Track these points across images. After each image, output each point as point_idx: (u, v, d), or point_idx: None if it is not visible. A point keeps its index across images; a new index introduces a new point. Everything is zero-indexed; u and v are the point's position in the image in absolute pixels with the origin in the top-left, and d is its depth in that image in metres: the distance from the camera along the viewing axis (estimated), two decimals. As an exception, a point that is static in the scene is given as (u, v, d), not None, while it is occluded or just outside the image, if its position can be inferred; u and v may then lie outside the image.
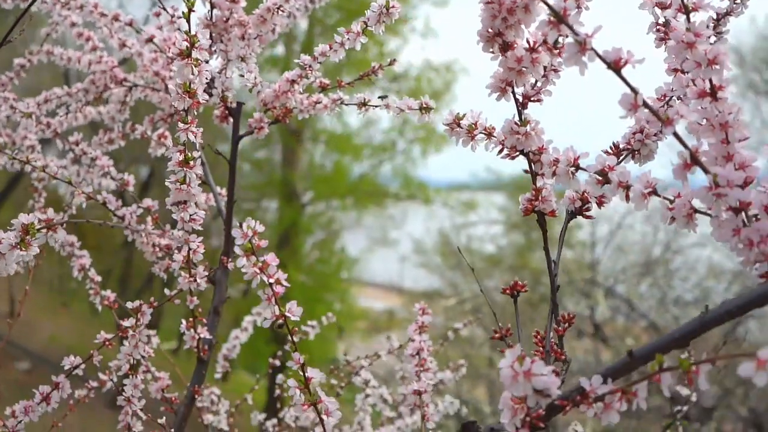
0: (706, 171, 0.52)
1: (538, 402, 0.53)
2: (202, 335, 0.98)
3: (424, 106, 0.87)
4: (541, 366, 0.51)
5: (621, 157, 0.71)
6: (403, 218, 12.49)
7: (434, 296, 9.31)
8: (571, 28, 0.51)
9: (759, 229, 0.51)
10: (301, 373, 0.66)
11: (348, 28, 0.90)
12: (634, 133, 0.70)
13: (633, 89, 0.52)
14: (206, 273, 0.93)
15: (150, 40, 1.09)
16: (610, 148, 0.71)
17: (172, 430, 0.95)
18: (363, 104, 0.97)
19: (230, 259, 0.98)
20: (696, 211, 0.56)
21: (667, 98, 0.71)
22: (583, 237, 8.25)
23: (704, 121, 0.57)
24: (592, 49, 0.51)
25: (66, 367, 0.93)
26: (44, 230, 0.66)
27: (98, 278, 1.13)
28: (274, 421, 1.42)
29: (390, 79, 10.56)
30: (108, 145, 1.22)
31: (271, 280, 0.64)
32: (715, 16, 0.74)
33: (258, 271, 0.64)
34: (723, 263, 7.25)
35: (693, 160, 0.53)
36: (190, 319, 0.97)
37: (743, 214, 0.53)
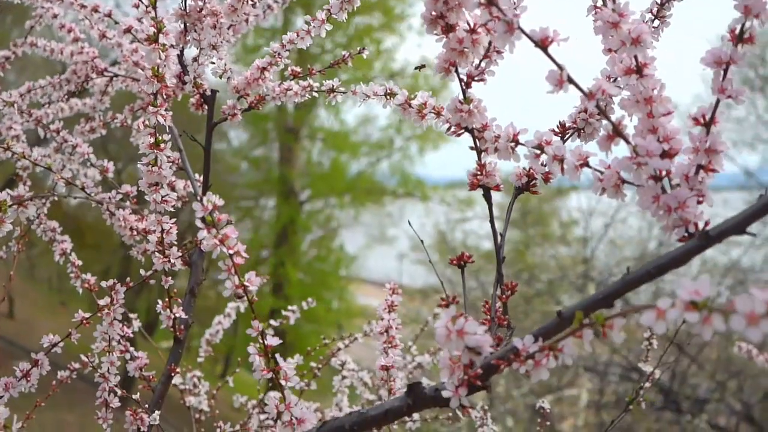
0: (627, 142, 0.56)
1: (472, 360, 0.57)
2: (177, 315, 1.02)
3: (389, 92, 0.91)
4: (474, 325, 0.54)
5: (567, 135, 0.74)
6: (400, 215, 12.54)
7: (431, 293, 9.35)
8: (500, 9, 0.54)
9: (677, 196, 0.55)
10: (261, 341, 0.70)
11: (314, 16, 0.94)
12: (579, 112, 0.74)
13: (559, 66, 0.55)
14: (180, 253, 0.97)
15: (128, 30, 1.12)
16: (557, 126, 0.75)
17: (147, 405, 0.99)
18: (331, 90, 1.00)
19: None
20: (624, 181, 0.59)
21: (611, 79, 0.74)
22: (580, 233, 8.29)
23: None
24: (520, 28, 0.55)
25: (45, 345, 0.97)
26: (15, 206, 0.70)
27: (79, 262, 1.16)
28: (254, 402, 1.46)
29: (387, 77, 10.60)
30: (90, 134, 1.26)
31: (231, 251, 0.67)
32: (659, 1, 0.77)
33: (218, 242, 0.67)
34: (716, 258, 7.31)
35: (615, 131, 0.56)
36: (166, 299, 1.01)
37: (666, 182, 0.57)
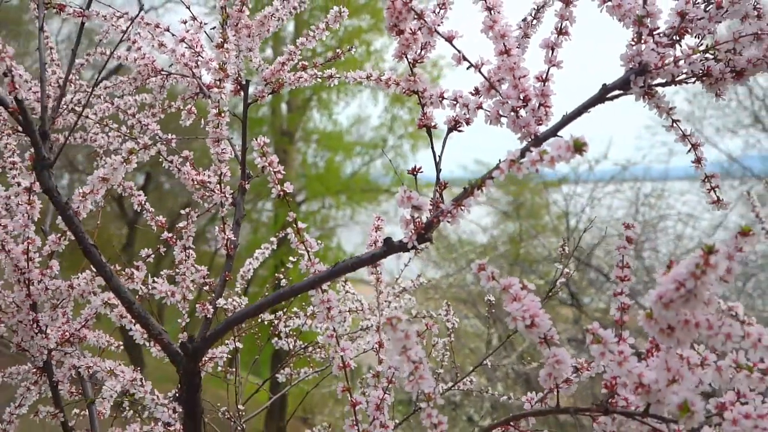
0: (498, 92, 1.01)
1: (419, 217, 1.01)
2: (229, 237, 1.47)
3: (369, 75, 1.35)
4: (417, 193, 0.99)
5: (480, 96, 1.19)
6: (396, 213, 12.90)
7: (429, 288, 9.78)
8: (424, 20, 0.99)
9: (525, 120, 1.00)
10: (295, 225, 1.15)
11: (316, 25, 1.39)
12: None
13: (458, 50, 1.01)
14: (232, 191, 1.42)
15: (182, 40, 1.57)
16: (474, 89, 1.20)
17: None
18: (331, 76, 1.45)
19: (247, 182, 1.46)
20: (500, 115, 1.04)
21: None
22: (572, 224, 8.77)
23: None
24: (436, 31, 1.00)
25: (144, 255, 1.41)
26: (142, 149, 1.14)
27: (152, 210, 1.60)
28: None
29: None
30: (152, 118, 1.70)
31: (275, 170, 1.12)
32: (536, 6, 1.22)
33: (267, 165, 1.12)
34: (691, 233, 7.80)
35: (491, 86, 1.01)
36: (221, 225, 1.46)
37: (523, 112, 1.02)
